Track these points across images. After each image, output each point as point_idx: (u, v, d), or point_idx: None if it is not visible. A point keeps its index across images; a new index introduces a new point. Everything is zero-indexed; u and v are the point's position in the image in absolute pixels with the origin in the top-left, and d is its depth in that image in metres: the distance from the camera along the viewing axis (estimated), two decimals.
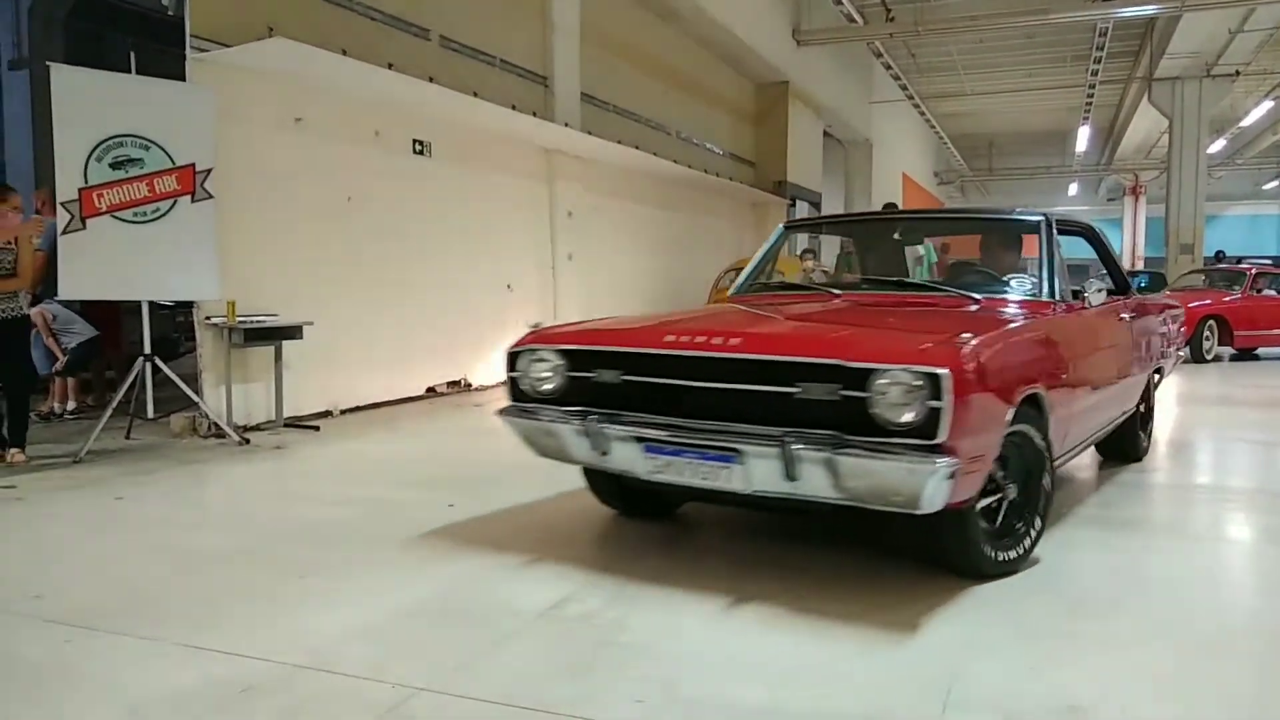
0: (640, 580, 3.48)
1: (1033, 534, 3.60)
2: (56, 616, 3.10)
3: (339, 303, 7.62)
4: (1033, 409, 3.49)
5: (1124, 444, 5.59)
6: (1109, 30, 18.26)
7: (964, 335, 3.19)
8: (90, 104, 5.83)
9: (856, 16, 16.22)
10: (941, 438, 2.88)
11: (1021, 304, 4.20)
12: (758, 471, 3.13)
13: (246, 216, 6.79)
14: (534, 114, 9.91)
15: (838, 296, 4.50)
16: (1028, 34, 19.48)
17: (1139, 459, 5.73)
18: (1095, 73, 21.11)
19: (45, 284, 6.84)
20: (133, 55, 6.14)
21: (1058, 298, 4.24)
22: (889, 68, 21.12)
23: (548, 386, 3.73)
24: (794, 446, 3.00)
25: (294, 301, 7.06)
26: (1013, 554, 3.49)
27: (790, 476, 3.06)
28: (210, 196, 6.25)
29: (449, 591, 3.38)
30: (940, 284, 4.64)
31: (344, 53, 7.16)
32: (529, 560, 3.74)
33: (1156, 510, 5.01)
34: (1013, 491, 3.52)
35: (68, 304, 7.27)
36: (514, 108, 9.41)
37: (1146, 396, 5.76)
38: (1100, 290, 4.53)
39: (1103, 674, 2.67)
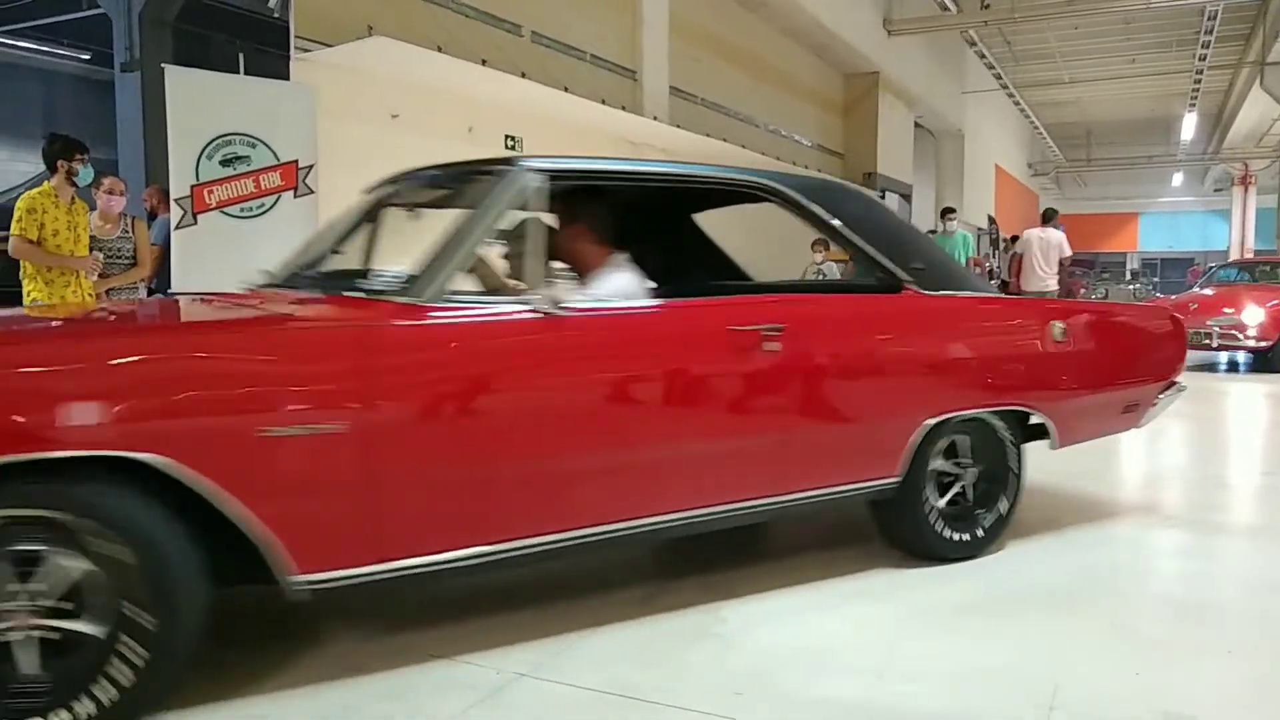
0: (734, 570, 3.48)
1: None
2: None
3: None
4: None
5: None
6: (1218, 13, 17.50)
7: None
8: (202, 104, 6.07)
9: (950, 4, 15.88)
10: None
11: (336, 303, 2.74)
12: None
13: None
14: (623, 108, 9.97)
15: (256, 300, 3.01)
16: (1128, 19, 18.80)
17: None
18: (1203, 58, 20.26)
19: (157, 279, 7.13)
20: (241, 57, 6.37)
21: (417, 296, 2.52)
22: (983, 56, 20.62)
23: None
24: None
25: None
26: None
27: None
28: (311, 192, 6.44)
29: (542, 575, 3.43)
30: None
31: (439, 49, 7.30)
32: (623, 549, 3.77)
33: None
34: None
35: None
36: (603, 102, 9.48)
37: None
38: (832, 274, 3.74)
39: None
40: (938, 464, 3.44)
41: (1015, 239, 16.61)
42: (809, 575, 3.40)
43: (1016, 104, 26.58)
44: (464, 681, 2.54)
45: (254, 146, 6.19)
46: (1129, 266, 36.11)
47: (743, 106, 13.54)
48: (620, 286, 3.01)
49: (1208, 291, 11.99)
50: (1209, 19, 17.70)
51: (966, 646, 2.80)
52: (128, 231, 5.72)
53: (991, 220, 25.81)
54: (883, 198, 17.68)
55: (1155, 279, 36.45)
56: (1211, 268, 15.13)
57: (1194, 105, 25.12)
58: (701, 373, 2.87)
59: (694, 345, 2.89)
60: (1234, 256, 26.47)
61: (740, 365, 2.91)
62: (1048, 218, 11.82)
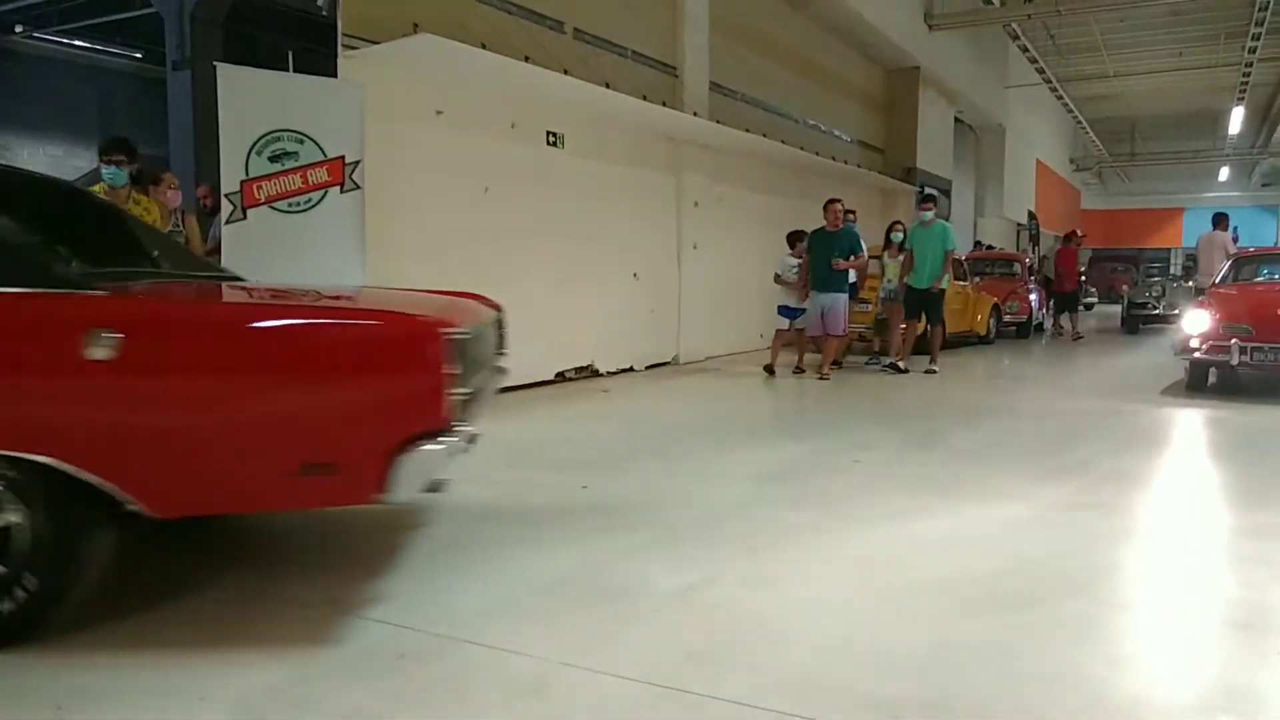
0: (778, 565, 3.51)
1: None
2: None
3: (475, 288, 7.82)
4: None
5: None
6: (1270, 4, 17.14)
7: None
8: (252, 100, 6.18)
9: None
10: None
11: None
12: None
13: (391, 206, 7.07)
14: (663, 104, 9.99)
15: None
16: (1175, 10, 18.47)
17: None
18: (1253, 50, 19.84)
19: None
20: (290, 55, 6.47)
21: None
22: (1025, 50, 20.36)
23: None
24: None
25: (433, 287, 7.31)
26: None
27: None
28: (358, 187, 6.53)
29: (585, 570, 3.48)
30: None
31: (483, 47, 7.37)
32: (662, 543, 3.82)
33: None
34: None
35: None
36: (644, 98, 9.51)
37: None
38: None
39: None
40: None
41: (1069, 237, 16.32)
42: (848, 576, 3.40)
43: (1059, 98, 26.19)
44: (509, 671, 2.61)
45: (302, 143, 6.29)
46: (1173, 262, 35.46)
47: (783, 102, 13.50)
48: None
49: None
50: (1260, 10, 17.34)
51: None
52: (178, 226, 5.86)
53: (1032, 216, 25.49)
54: (921, 192, 17.56)
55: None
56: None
57: (1242, 99, 24.61)
58: None
59: None
60: None
61: None
62: (1216, 221, 11.86)
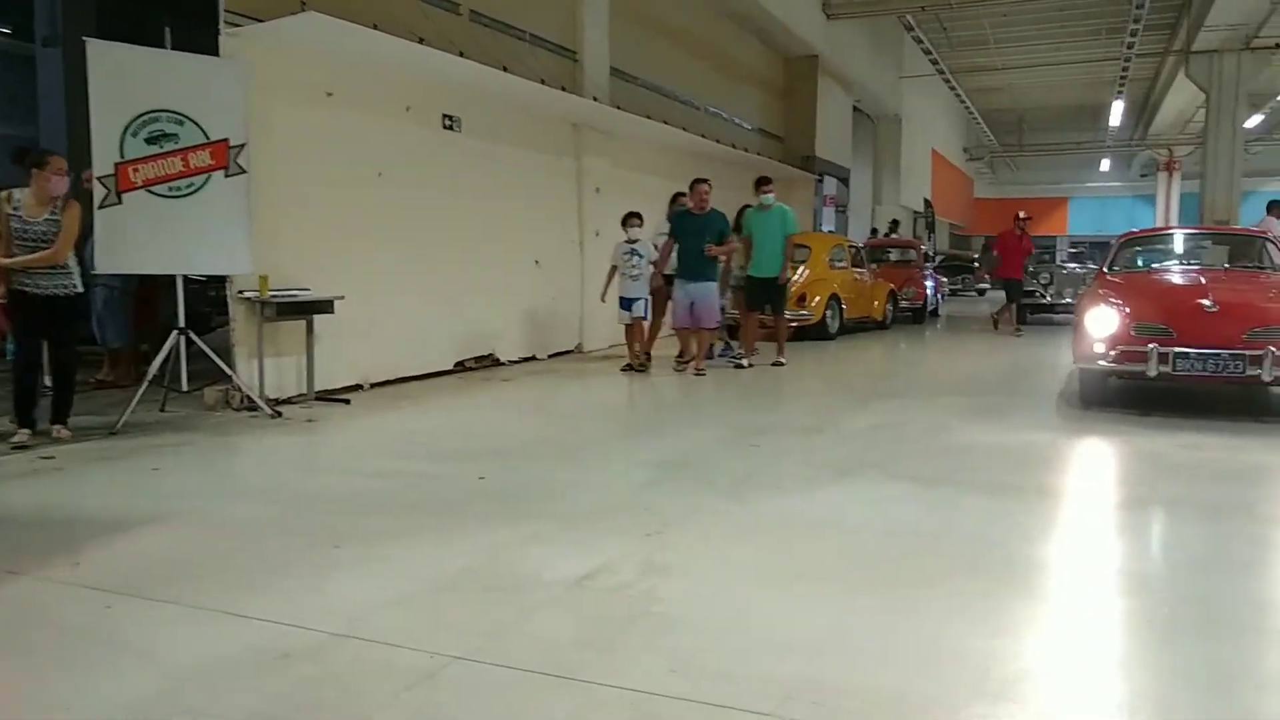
0: (672, 552, 3.50)
1: None
2: (95, 583, 3.16)
3: (370, 277, 7.66)
4: None
5: None
6: (1145, 2, 17.93)
7: None
8: (126, 79, 5.88)
9: None
10: None
11: None
12: None
13: (279, 191, 6.83)
14: (563, 88, 9.89)
15: None
16: (1061, 6, 19.17)
17: None
18: (1130, 45, 20.76)
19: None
20: (168, 31, 6.17)
21: None
22: (920, 41, 20.89)
23: None
24: None
25: (326, 276, 7.11)
26: None
27: None
28: (243, 171, 6.28)
29: (482, 562, 3.41)
30: None
31: (375, 27, 7.16)
32: (560, 532, 3.78)
33: None
34: None
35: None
36: (543, 82, 9.39)
37: None
38: None
39: None
40: None
41: (1015, 219, 14.58)
42: (744, 558, 3.41)
43: (953, 89, 26.99)
44: (398, 666, 2.53)
45: (182, 124, 6.01)
46: (1059, 249, 36.90)
47: (684, 88, 13.53)
48: None
49: None
50: (1137, 7, 18.13)
51: None
52: (55, 213, 5.46)
53: (928, 203, 26.19)
54: (820, 181, 17.85)
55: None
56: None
57: (1122, 92, 25.74)
58: None
59: None
60: None
61: None
62: (1270, 208, 11.56)
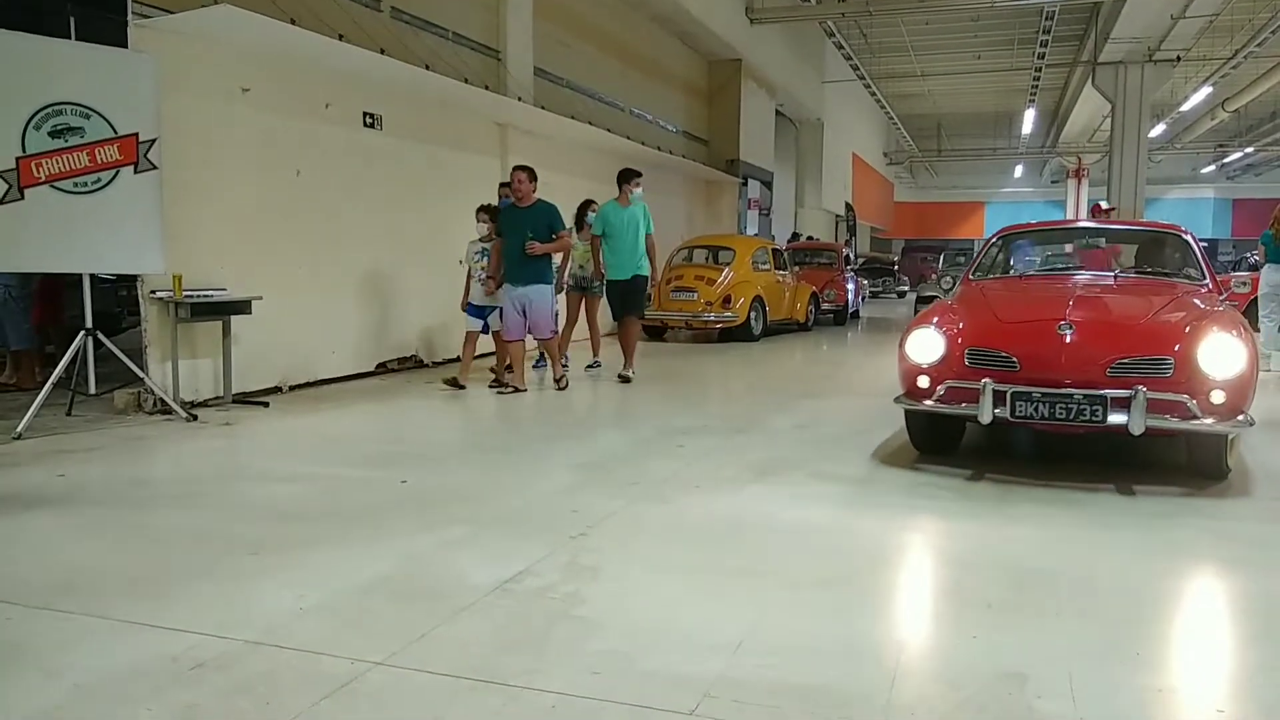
0: (596, 554, 3.50)
1: None
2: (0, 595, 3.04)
3: (289, 277, 7.50)
4: None
5: None
6: (1055, 14, 18.56)
7: None
8: (27, 70, 5.64)
9: None
10: None
11: None
12: None
13: (193, 189, 6.64)
14: (486, 87, 9.82)
15: None
16: (975, 16, 19.72)
17: None
18: (1041, 56, 21.48)
19: None
20: (73, 20, 5.95)
21: None
22: (841, 48, 21.28)
23: None
24: None
25: (243, 276, 6.94)
26: None
27: None
28: (154, 167, 6.10)
29: (403, 567, 3.37)
30: None
31: (293, 22, 7.02)
32: (484, 535, 3.75)
33: None
34: None
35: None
36: (466, 81, 9.32)
37: None
38: None
39: None
40: None
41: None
42: (671, 561, 3.43)
43: (873, 95, 27.55)
44: (317, 673, 2.48)
45: (88, 118, 5.81)
46: (975, 252, 38.05)
47: (609, 90, 13.55)
48: None
49: None
50: (1047, 19, 18.75)
51: None
52: None
53: (849, 207, 26.67)
54: (744, 185, 18.04)
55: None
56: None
57: (1033, 101, 26.60)
58: None
59: None
60: None
61: None
62: None
